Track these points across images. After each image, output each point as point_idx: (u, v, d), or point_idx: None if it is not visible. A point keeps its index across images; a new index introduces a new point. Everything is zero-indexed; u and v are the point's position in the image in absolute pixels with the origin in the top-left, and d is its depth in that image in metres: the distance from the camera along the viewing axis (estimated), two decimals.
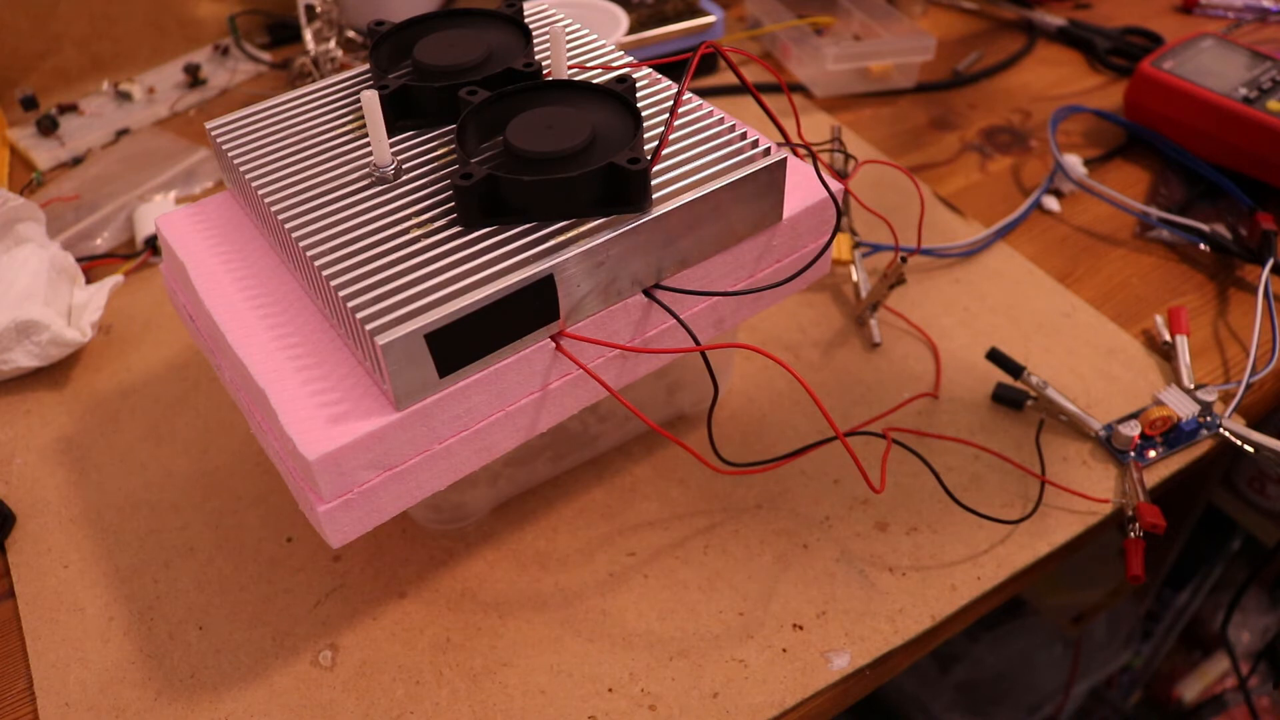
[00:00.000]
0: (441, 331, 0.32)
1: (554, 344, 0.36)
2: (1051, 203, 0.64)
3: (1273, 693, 1.07)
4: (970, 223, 0.63)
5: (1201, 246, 0.60)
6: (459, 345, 0.33)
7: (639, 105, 0.40)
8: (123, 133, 0.73)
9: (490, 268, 0.33)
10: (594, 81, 0.39)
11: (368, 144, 0.39)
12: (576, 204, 0.35)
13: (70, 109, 0.75)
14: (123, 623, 0.43)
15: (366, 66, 0.44)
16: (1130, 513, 0.45)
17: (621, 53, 0.44)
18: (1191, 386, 0.50)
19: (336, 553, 0.45)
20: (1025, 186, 0.66)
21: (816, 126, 0.71)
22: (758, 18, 0.82)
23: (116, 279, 0.57)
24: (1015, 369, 0.50)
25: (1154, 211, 0.62)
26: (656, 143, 0.38)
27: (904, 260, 0.52)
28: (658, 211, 0.35)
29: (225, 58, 0.81)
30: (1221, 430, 0.49)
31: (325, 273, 0.34)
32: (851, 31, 0.79)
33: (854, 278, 0.56)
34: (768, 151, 0.38)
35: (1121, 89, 0.71)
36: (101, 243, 0.63)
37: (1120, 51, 0.79)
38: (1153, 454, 0.48)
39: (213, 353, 0.40)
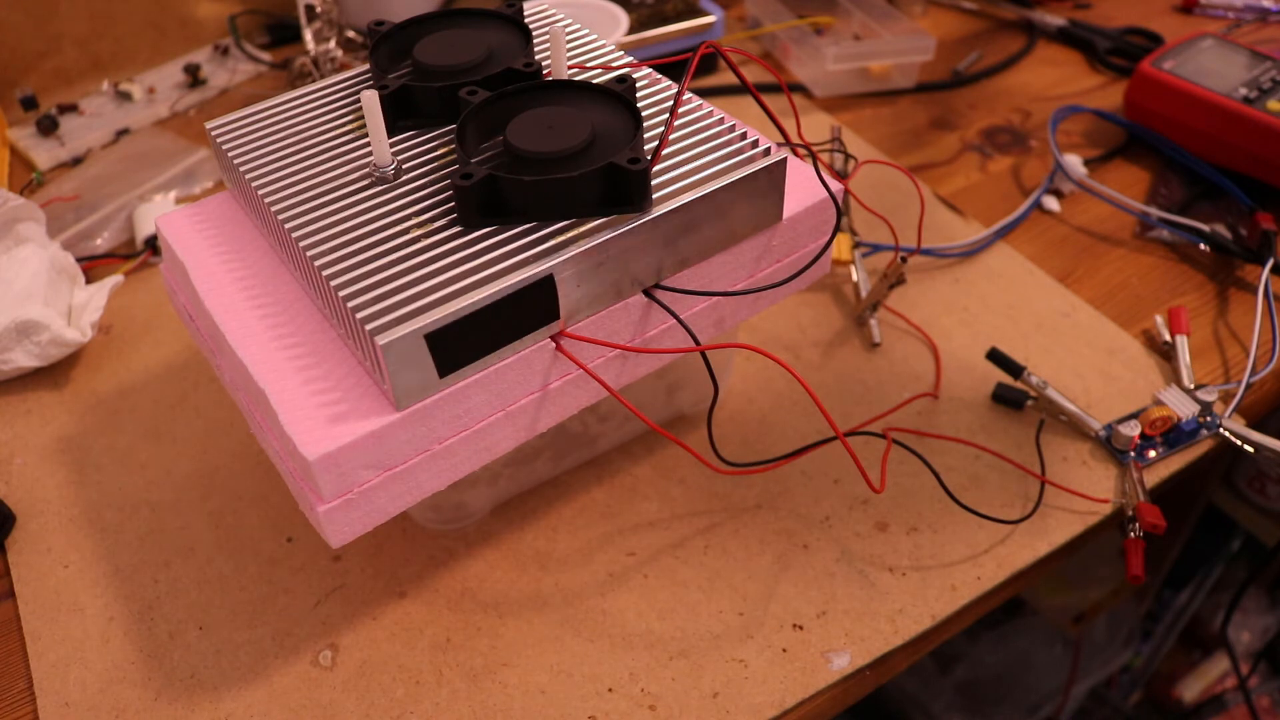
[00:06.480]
0: (441, 331, 0.32)
1: (554, 344, 0.36)
2: (1051, 203, 0.64)
3: (1274, 693, 1.07)
4: (970, 223, 0.63)
5: (1201, 246, 0.60)
6: (459, 345, 0.33)
7: (639, 105, 0.40)
8: (123, 133, 0.73)
9: (490, 268, 0.33)
10: (594, 81, 0.39)
11: (368, 144, 0.39)
12: (576, 204, 0.35)
13: (70, 109, 0.75)
14: (123, 623, 0.43)
15: (366, 66, 0.44)
16: (1130, 513, 0.45)
17: (621, 53, 0.44)
18: (1191, 386, 0.50)
19: (336, 553, 0.45)
20: (1025, 186, 0.66)
21: (816, 126, 0.71)
22: (758, 18, 0.82)
23: (116, 279, 0.57)
24: (1015, 369, 0.50)
25: (1154, 211, 0.62)
26: (656, 143, 0.38)
27: (904, 260, 0.52)
28: (658, 211, 0.35)
29: (225, 58, 0.81)
30: (1221, 430, 0.49)
31: (325, 273, 0.34)
32: (851, 31, 0.79)
33: (854, 278, 0.56)
34: (768, 151, 0.38)
35: (1121, 89, 0.71)
36: (101, 243, 0.63)
37: (1120, 51, 0.79)
38: (1153, 454, 0.48)
39: (213, 353, 0.40)
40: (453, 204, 0.36)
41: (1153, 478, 0.47)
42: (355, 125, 0.41)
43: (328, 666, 0.41)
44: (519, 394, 0.36)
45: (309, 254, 0.35)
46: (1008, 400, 0.50)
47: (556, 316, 0.35)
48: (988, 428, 0.50)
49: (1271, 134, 0.61)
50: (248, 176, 0.38)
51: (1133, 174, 0.67)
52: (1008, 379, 0.52)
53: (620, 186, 0.35)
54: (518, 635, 0.42)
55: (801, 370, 0.53)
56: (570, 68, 0.42)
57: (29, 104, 0.74)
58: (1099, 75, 0.78)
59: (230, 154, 0.40)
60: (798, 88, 0.76)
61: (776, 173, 0.38)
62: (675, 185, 0.36)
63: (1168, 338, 0.53)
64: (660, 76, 0.42)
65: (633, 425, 0.48)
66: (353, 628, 0.43)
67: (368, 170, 0.38)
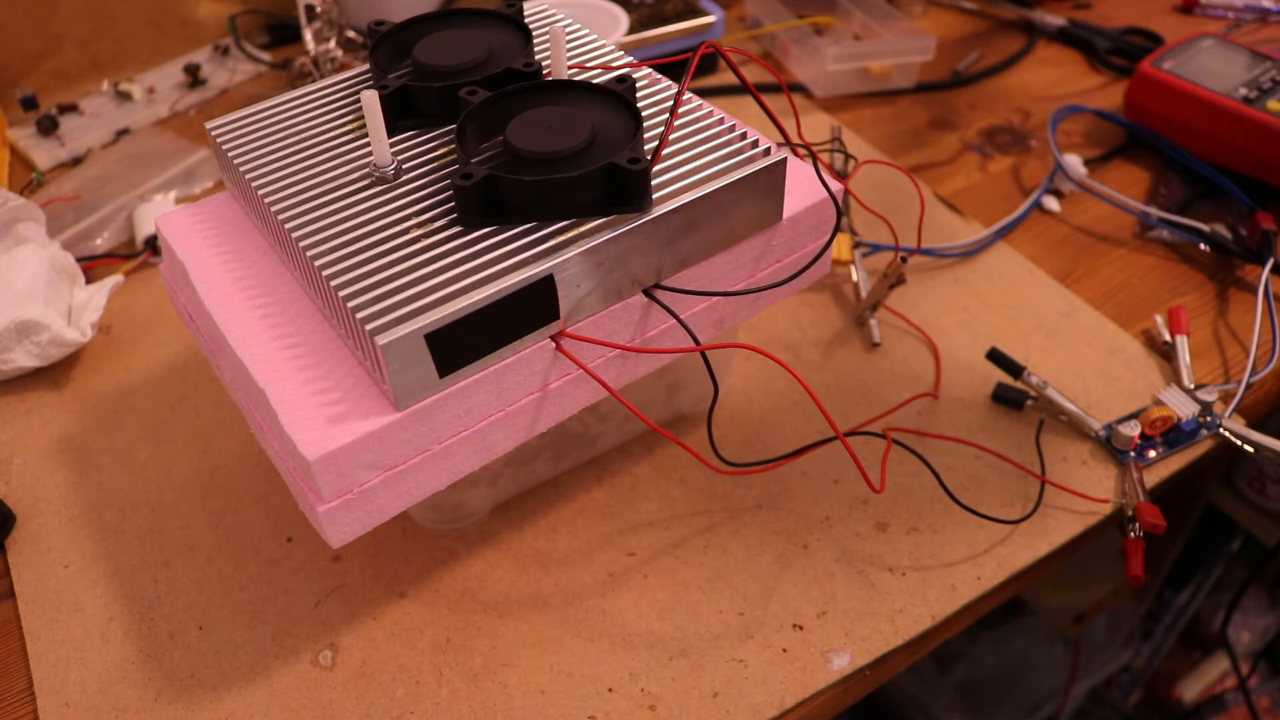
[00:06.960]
0: (441, 331, 0.32)
1: (554, 344, 0.36)
2: (1051, 203, 0.64)
3: (1274, 693, 1.07)
4: (970, 223, 0.63)
5: (1201, 246, 0.60)
6: (459, 345, 0.33)
7: (639, 105, 0.40)
8: (123, 133, 0.73)
9: (490, 268, 0.33)
10: (594, 81, 0.39)
11: (368, 144, 0.39)
12: (576, 204, 0.35)
13: (70, 109, 0.75)
14: (123, 623, 0.43)
15: (366, 66, 0.44)
16: (1130, 513, 0.45)
17: (621, 53, 0.44)
18: (1191, 386, 0.50)
19: (336, 553, 0.45)
20: (1025, 186, 0.66)
21: (816, 126, 0.71)
22: (758, 18, 0.82)
23: (116, 279, 0.57)
24: (1015, 369, 0.50)
25: (1154, 211, 0.62)
26: (656, 143, 0.38)
27: (904, 260, 0.52)
28: (658, 211, 0.35)
29: (225, 58, 0.81)
30: (1221, 430, 0.49)
31: (325, 273, 0.34)
32: (851, 31, 0.79)
33: (854, 278, 0.56)
34: (768, 151, 0.38)
35: (1121, 89, 0.71)
36: (101, 243, 0.63)
37: (1120, 51, 0.79)
38: (1153, 454, 0.48)
39: (213, 353, 0.40)
40: (453, 204, 0.36)
41: (1153, 478, 0.47)
42: (355, 125, 0.41)
43: (328, 666, 0.41)
44: (519, 394, 0.36)
45: (309, 254, 0.35)
46: (1008, 400, 0.50)
47: (556, 316, 0.35)
48: (988, 428, 0.50)
49: (1271, 134, 0.61)
50: (248, 176, 0.38)
51: (1133, 174, 0.67)
52: (1008, 379, 0.52)
53: (620, 186, 0.35)
54: (518, 635, 0.42)
55: (801, 370, 0.53)
56: (570, 68, 0.42)
57: (29, 104, 0.74)
58: (1099, 75, 0.78)
59: (230, 154, 0.40)
60: (798, 88, 0.76)
61: (776, 173, 0.38)
62: (675, 185, 0.36)
63: (1168, 338, 0.53)
64: (660, 76, 0.42)
65: (633, 425, 0.48)
66: (353, 628, 0.43)
67: (368, 170, 0.38)
